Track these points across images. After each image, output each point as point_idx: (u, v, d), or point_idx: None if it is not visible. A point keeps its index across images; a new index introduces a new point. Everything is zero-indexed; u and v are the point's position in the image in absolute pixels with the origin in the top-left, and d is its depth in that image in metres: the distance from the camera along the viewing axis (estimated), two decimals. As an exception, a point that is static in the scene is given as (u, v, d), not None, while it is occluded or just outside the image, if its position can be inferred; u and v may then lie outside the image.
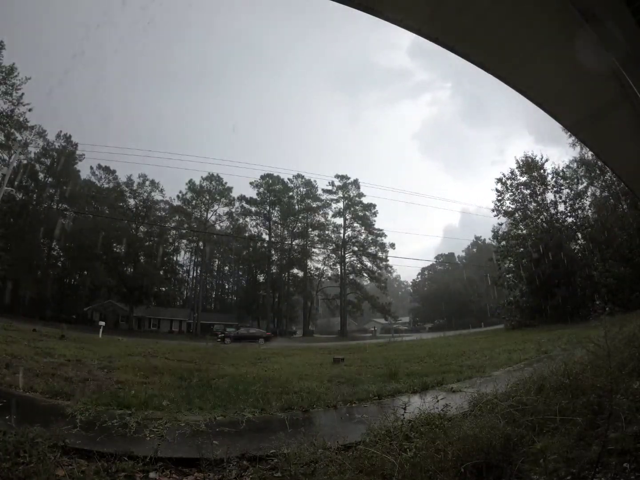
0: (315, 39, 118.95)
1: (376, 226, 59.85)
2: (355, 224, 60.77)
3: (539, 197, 37.03)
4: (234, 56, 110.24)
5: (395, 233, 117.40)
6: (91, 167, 52.00)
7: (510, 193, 37.78)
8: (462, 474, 2.72)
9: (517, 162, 37.28)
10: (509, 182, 37.62)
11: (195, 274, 66.22)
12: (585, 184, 35.75)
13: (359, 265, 61.23)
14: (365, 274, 61.84)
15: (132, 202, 53.47)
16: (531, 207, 37.35)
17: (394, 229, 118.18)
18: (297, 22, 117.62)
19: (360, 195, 59.54)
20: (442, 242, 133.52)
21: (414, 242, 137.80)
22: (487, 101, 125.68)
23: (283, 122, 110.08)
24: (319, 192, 60.45)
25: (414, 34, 3.60)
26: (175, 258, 64.52)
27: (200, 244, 57.46)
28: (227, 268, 74.87)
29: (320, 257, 61.09)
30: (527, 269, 33.00)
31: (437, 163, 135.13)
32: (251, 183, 58.69)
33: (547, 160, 36.66)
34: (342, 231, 60.37)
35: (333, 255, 60.70)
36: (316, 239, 60.75)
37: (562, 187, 36.29)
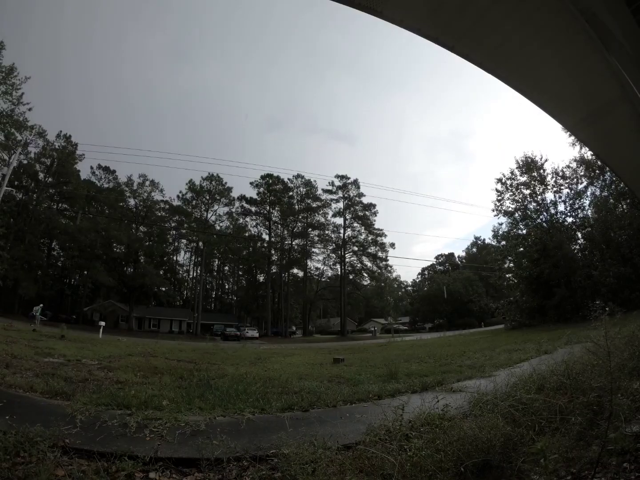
0: (317, 39, 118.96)
1: (390, 227, 59.91)
2: (355, 224, 60.78)
3: (539, 197, 37.08)
4: (233, 56, 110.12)
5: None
6: (91, 167, 52.21)
7: (510, 193, 37.84)
8: (462, 474, 2.72)
9: (517, 162, 37.39)
10: (508, 182, 37.69)
11: (195, 274, 66.26)
12: (585, 184, 35.81)
13: (358, 265, 61.26)
14: (365, 274, 61.86)
15: (132, 202, 53.60)
16: (531, 207, 37.39)
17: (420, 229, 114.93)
18: (299, 22, 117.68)
19: (360, 195, 59.59)
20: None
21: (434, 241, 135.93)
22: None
23: (283, 122, 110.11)
24: (319, 192, 60.50)
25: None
26: (175, 258, 64.81)
27: (200, 244, 57.44)
28: (227, 268, 74.90)
29: (320, 257, 61.13)
30: (527, 268, 33.00)
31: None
32: (251, 183, 58.87)
33: (546, 160, 36.83)
34: (342, 231, 60.39)
35: (333, 255, 60.71)
36: (316, 239, 60.73)
37: (562, 187, 36.37)
